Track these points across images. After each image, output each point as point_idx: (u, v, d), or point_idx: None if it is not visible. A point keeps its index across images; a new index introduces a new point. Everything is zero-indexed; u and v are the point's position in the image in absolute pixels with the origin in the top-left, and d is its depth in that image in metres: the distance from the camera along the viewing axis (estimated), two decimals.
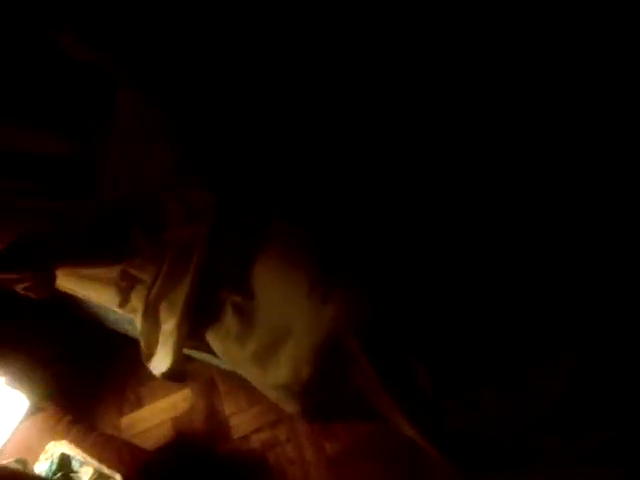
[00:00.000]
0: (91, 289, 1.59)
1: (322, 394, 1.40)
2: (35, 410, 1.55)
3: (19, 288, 1.29)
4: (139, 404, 1.93)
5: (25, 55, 1.49)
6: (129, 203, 1.50)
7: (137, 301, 1.51)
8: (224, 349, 1.44)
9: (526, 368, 1.24)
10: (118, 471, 1.37)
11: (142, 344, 1.53)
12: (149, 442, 1.82)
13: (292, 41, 1.46)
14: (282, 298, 1.36)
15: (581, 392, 1.20)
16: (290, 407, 1.49)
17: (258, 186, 1.45)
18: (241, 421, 1.86)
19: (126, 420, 1.90)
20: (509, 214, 1.35)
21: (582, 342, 1.22)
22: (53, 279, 1.34)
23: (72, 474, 1.38)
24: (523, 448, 1.25)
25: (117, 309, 1.59)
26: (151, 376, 1.57)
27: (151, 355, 1.54)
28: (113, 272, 1.49)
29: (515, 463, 1.27)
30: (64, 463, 1.39)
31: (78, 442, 1.44)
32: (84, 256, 1.46)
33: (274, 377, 1.38)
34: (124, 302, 1.55)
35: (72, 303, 1.78)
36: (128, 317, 1.65)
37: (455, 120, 1.44)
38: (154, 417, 1.90)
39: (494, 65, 1.40)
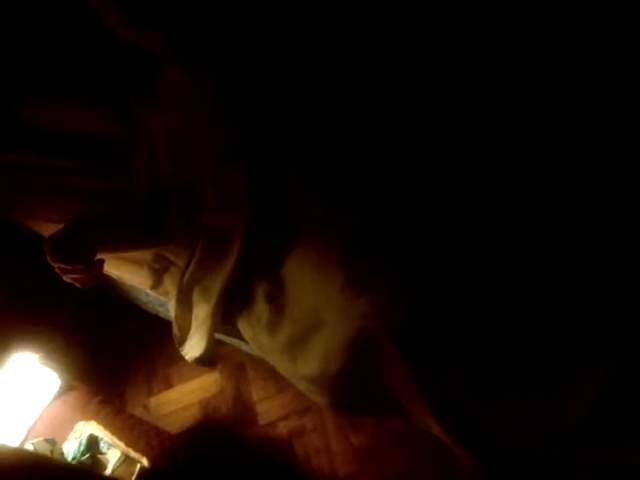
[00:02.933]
0: (125, 270, 1.58)
1: (351, 389, 1.38)
2: (66, 389, 1.56)
3: (67, 278, 1.27)
4: (168, 385, 1.94)
5: (74, 34, 1.48)
6: (166, 185, 1.49)
7: (170, 284, 1.50)
8: (254, 336, 1.43)
9: (563, 375, 1.19)
10: (145, 455, 1.38)
11: (175, 328, 1.53)
12: (176, 424, 1.84)
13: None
14: (315, 290, 1.32)
15: (621, 402, 1.15)
16: (318, 399, 1.47)
17: (296, 175, 1.42)
18: (268, 407, 1.86)
19: (155, 400, 1.92)
20: (551, 216, 1.31)
21: (624, 349, 1.17)
22: (101, 270, 1.33)
23: (99, 455, 1.39)
24: (557, 461, 1.21)
25: (149, 291, 1.59)
26: (181, 358, 1.57)
27: (184, 340, 1.54)
28: (147, 254, 1.49)
29: (548, 476, 1.24)
30: (92, 444, 1.40)
31: (107, 423, 1.45)
32: (126, 240, 1.44)
33: (303, 368, 1.36)
34: (157, 284, 1.54)
35: (105, 283, 1.79)
36: (160, 299, 1.65)
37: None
38: (182, 399, 1.91)
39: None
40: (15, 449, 1.33)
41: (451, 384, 1.22)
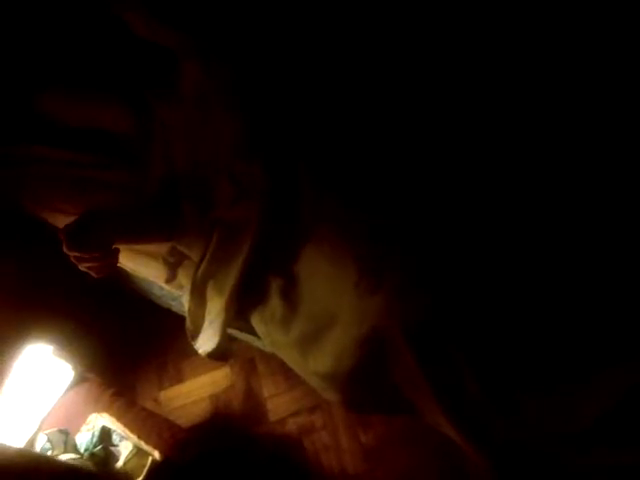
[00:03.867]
0: (139, 263, 1.59)
1: (363, 386, 1.38)
2: (80, 380, 1.57)
3: (82, 266, 1.29)
4: (179, 379, 1.95)
5: (92, 28, 1.49)
6: (182, 179, 1.49)
7: (184, 278, 1.50)
8: (267, 332, 1.43)
9: (579, 377, 1.19)
10: (156, 448, 1.38)
11: (188, 322, 1.53)
12: (187, 418, 1.84)
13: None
14: (329, 285, 1.32)
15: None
16: (329, 395, 1.47)
17: (308, 169, 1.42)
18: (279, 404, 1.86)
19: (166, 394, 1.93)
20: (566, 214, 1.30)
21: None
22: (116, 259, 1.34)
23: (112, 447, 1.40)
24: (570, 463, 1.21)
25: (164, 284, 1.60)
26: (192, 351, 1.57)
27: (197, 333, 1.54)
28: (162, 247, 1.49)
29: (559, 476, 1.23)
30: (105, 436, 1.41)
31: (120, 416, 1.46)
32: (141, 231, 1.45)
33: (315, 364, 1.36)
34: (171, 278, 1.55)
35: (119, 276, 1.80)
36: (172, 293, 1.66)
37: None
38: (193, 393, 1.92)
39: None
40: (17, 449, 1.34)
41: (464, 384, 1.21)
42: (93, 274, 1.30)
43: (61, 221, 1.51)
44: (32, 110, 1.54)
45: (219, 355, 1.52)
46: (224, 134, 1.41)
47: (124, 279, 1.84)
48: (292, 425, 1.81)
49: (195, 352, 1.55)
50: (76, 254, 1.25)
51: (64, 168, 1.53)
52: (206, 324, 1.50)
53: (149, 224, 1.45)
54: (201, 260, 1.45)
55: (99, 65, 1.55)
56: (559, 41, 1.33)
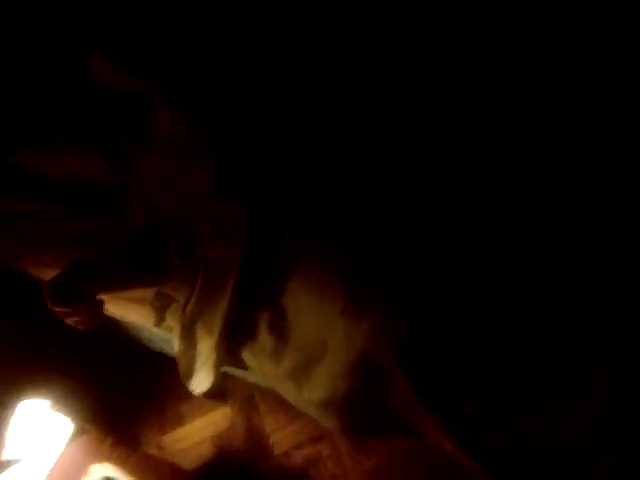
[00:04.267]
0: (127, 308, 1.60)
1: (360, 411, 1.38)
2: (79, 432, 1.57)
3: (68, 321, 1.30)
4: (180, 422, 1.94)
5: (62, 77, 1.52)
6: (163, 224, 1.51)
7: (173, 320, 1.52)
8: (259, 366, 1.44)
9: (563, 388, 1.20)
10: None
11: (180, 364, 1.54)
12: (191, 460, 1.83)
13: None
14: (316, 315, 1.35)
15: (621, 412, 1.16)
16: (328, 423, 1.48)
17: (289, 201, 1.45)
18: (282, 437, 1.85)
19: (168, 438, 1.91)
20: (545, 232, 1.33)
21: (620, 362, 1.18)
22: (102, 310, 1.36)
23: None
24: (562, 468, 1.21)
25: (152, 328, 1.61)
26: (190, 394, 1.58)
27: (190, 375, 1.55)
28: (148, 292, 1.51)
29: None
30: None
31: (121, 463, 1.46)
32: (125, 280, 1.47)
33: (310, 394, 1.37)
34: (160, 321, 1.56)
35: (108, 321, 1.80)
36: (163, 336, 1.67)
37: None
38: (195, 435, 1.90)
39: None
40: None
41: (456, 400, 1.23)
42: (80, 328, 1.31)
43: (45, 274, 1.53)
44: (9, 166, 1.57)
45: (215, 394, 1.53)
46: (201, 177, 1.43)
47: (112, 324, 1.85)
48: (297, 457, 1.80)
49: (192, 394, 1.56)
50: (60, 309, 1.26)
51: (45, 222, 1.54)
52: (198, 364, 1.51)
53: (132, 271, 1.46)
54: (187, 302, 1.47)
55: (73, 116, 1.58)
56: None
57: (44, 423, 1.53)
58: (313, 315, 1.35)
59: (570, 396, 1.19)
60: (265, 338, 1.41)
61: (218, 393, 1.52)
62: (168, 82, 1.42)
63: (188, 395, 1.66)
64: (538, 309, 1.25)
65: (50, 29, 1.45)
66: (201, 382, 1.52)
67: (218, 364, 1.48)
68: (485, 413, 1.22)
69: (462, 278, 1.30)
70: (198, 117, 1.43)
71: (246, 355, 1.45)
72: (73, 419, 1.57)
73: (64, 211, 1.55)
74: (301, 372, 1.37)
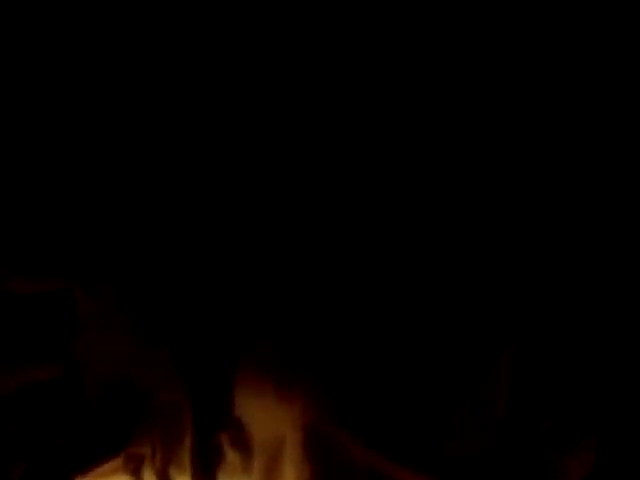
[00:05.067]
0: None
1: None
2: None
3: None
4: None
5: None
6: (113, 394, 1.59)
7: (149, 475, 1.56)
8: None
9: (548, 456, 1.26)
10: None
11: None
12: None
13: None
14: (264, 415, 1.42)
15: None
16: None
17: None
18: None
19: None
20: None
21: (606, 425, 1.24)
22: None
23: None
24: None
25: None
26: None
27: None
28: (117, 461, 1.57)
29: None
30: None
31: None
32: (93, 460, 1.53)
33: None
34: None
35: None
36: None
37: None
38: None
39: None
40: None
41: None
42: None
43: None
44: None
45: None
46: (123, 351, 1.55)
47: None
48: None
49: None
50: None
51: None
52: None
53: (100, 449, 1.54)
54: (153, 452, 1.53)
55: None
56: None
57: None
58: (262, 415, 1.41)
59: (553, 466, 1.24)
60: (231, 455, 1.46)
61: None
62: (76, 267, 1.52)
63: None
64: None
65: None
66: None
67: None
68: None
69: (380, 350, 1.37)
70: (111, 296, 1.54)
71: (223, 478, 1.49)
72: None
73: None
74: (272, 474, 1.41)
